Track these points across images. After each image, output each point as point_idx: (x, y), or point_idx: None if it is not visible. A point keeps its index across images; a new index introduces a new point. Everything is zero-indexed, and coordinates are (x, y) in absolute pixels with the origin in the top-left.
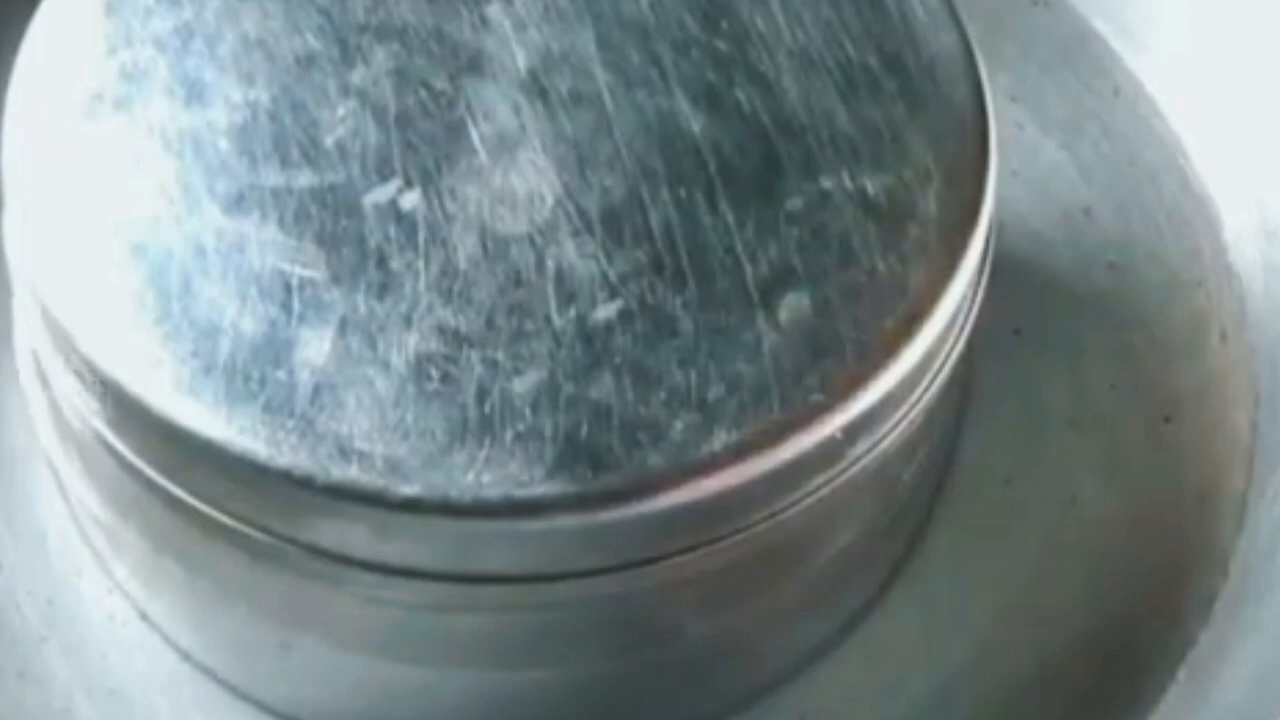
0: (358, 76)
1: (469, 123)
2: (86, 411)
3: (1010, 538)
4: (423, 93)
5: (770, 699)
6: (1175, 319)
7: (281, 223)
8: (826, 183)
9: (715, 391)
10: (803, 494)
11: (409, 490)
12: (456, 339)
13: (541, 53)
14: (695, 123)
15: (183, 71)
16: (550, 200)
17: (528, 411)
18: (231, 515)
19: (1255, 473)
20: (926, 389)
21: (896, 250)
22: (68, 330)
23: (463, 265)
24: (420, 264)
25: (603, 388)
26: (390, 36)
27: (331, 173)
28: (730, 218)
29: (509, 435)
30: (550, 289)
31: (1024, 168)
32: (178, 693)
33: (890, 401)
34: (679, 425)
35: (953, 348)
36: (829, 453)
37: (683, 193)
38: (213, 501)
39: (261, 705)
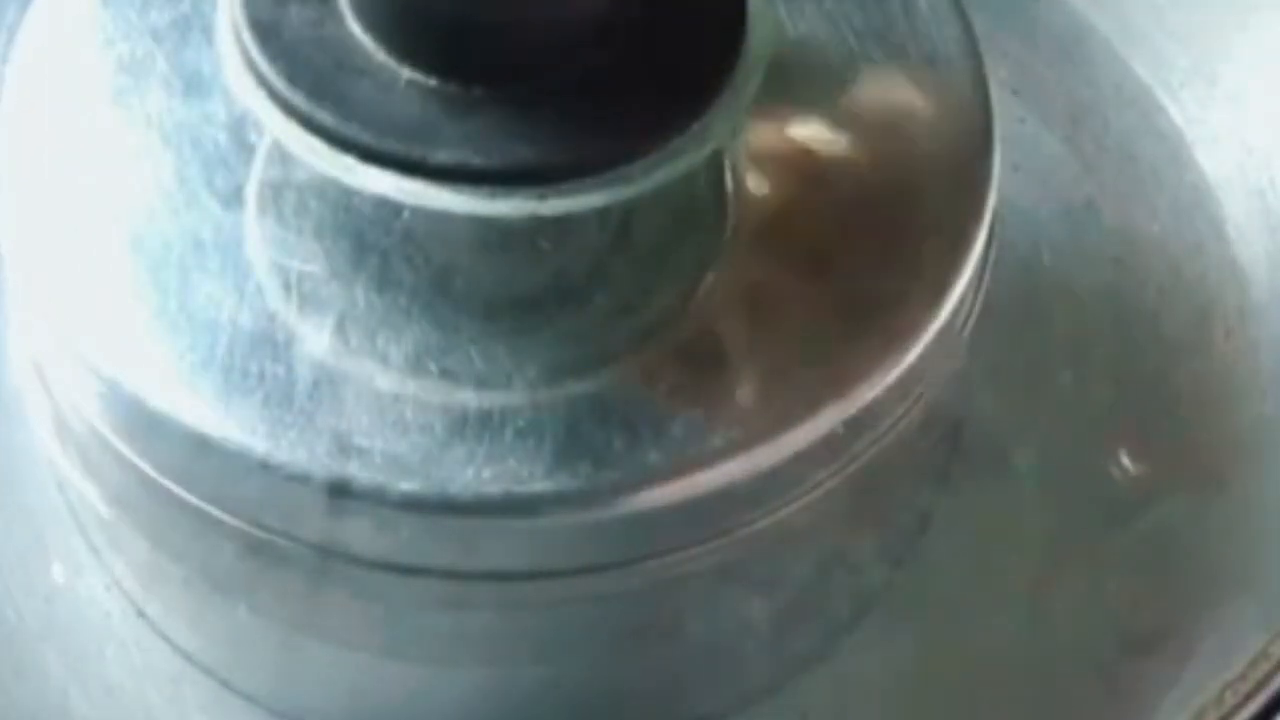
0: None
1: None
2: (84, 407)
3: (1012, 537)
4: None
5: (771, 699)
6: (1178, 313)
7: (280, 216)
8: (827, 176)
9: (716, 388)
10: (802, 491)
11: (408, 486)
12: (456, 333)
13: None
14: None
15: (180, 64)
16: None
17: (528, 407)
18: (229, 511)
19: (1261, 468)
20: (928, 386)
21: (897, 245)
22: (64, 325)
23: (462, 258)
24: (420, 257)
25: (603, 384)
26: None
27: None
28: None
29: (509, 431)
30: (550, 283)
31: (1026, 161)
32: (176, 691)
33: (891, 398)
34: (679, 422)
35: (954, 343)
36: (829, 450)
37: None
38: (210, 498)
39: (259, 703)
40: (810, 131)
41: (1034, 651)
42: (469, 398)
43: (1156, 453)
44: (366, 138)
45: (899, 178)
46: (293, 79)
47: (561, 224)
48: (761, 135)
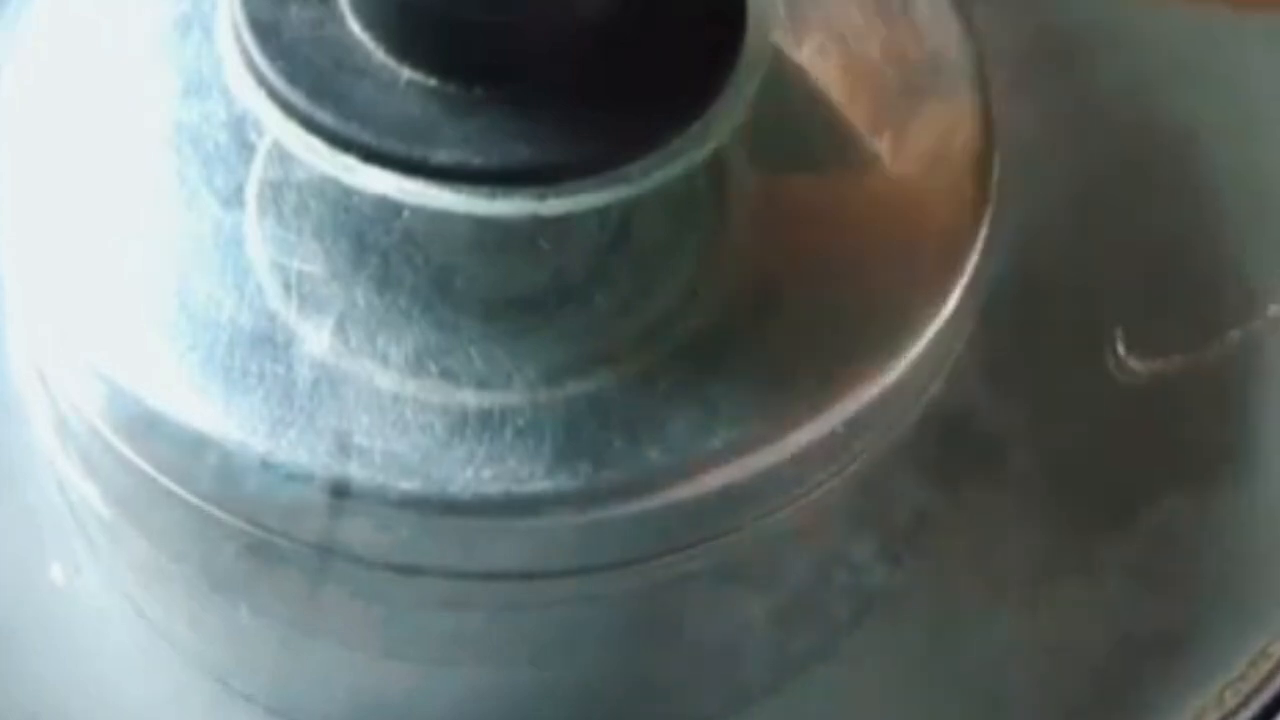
0: None
1: None
2: (84, 407)
3: (1012, 537)
4: None
5: (771, 699)
6: (1178, 314)
7: (280, 216)
8: (827, 176)
9: (716, 388)
10: (803, 491)
11: (408, 486)
12: (456, 333)
13: None
14: None
15: (180, 64)
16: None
17: (528, 407)
18: (229, 511)
19: (1261, 469)
20: (928, 385)
21: (897, 245)
22: (64, 325)
23: (462, 258)
24: (420, 257)
25: (603, 384)
26: None
27: None
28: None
29: (509, 431)
30: (550, 283)
31: (1026, 161)
32: (176, 692)
33: (891, 398)
34: (680, 422)
35: (954, 343)
36: (829, 450)
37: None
38: (210, 498)
39: (259, 703)
40: (809, 132)
41: (1034, 651)
42: (469, 398)
43: (1156, 453)
44: (366, 138)
45: (899, 178)
46: (293, 79)
47: (561, 224)
48: (761, 135)
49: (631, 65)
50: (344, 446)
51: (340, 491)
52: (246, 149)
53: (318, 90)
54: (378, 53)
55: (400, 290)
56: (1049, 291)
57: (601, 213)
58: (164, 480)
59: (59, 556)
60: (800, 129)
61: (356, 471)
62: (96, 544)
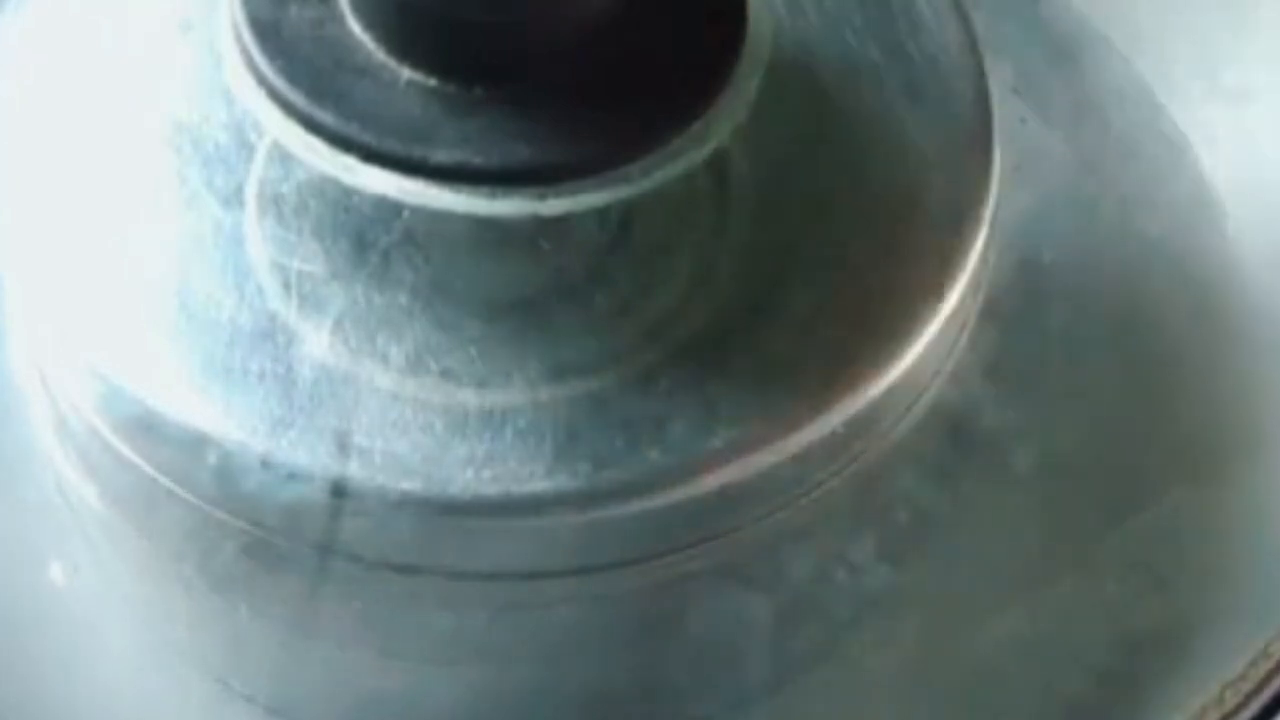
0: None
1: None
2: (84, 407)
3: (1012, 537)
4: None
5: (771, 699)
6: (1179, 313)
7: (280, 216)
8: (827, 176)
9: (716, 388)
10: (802, 491)
11: (408, 486)
12: (456, 333)
13: None
14: None
15: (180, 64)
16: None
17: (528, 407)
18: (229, 511)
19: (1261, 468)
20: (928, 385)
21: (897, 245)
22: (64, 325)
23: (462, 258)
24: (420, 257)
25: (603, 384)
26: None
27: None
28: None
29: (509, 431)
30: (550, 283)
31: (1026, 162)
32: (175, 691)
33: (891, 398)
34: (680, 422)
35: (954, 343)
36: (829, 450)
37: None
38: (210, 497)
39: (259, 703)
40: (810, 132)
41: (1034, 651)
42: (469, 398)
43: (1156, 453)
44: (366, 138)
45: (899, 178)
46: (293, 79)
47: (561, 224)
48: (761, 135)
49: (631, 65)
50: (344, 446)
51: (340, 491)
52: (246, 149)
53: (318, 90)
54: (378, 53)
55: (400, 290)
56: (1049, 291)
57: (601, 213)
58: (164, 480)
59: (59, 556)
60: (800, 129)
61: (356, 471)
62: (96, 544)
